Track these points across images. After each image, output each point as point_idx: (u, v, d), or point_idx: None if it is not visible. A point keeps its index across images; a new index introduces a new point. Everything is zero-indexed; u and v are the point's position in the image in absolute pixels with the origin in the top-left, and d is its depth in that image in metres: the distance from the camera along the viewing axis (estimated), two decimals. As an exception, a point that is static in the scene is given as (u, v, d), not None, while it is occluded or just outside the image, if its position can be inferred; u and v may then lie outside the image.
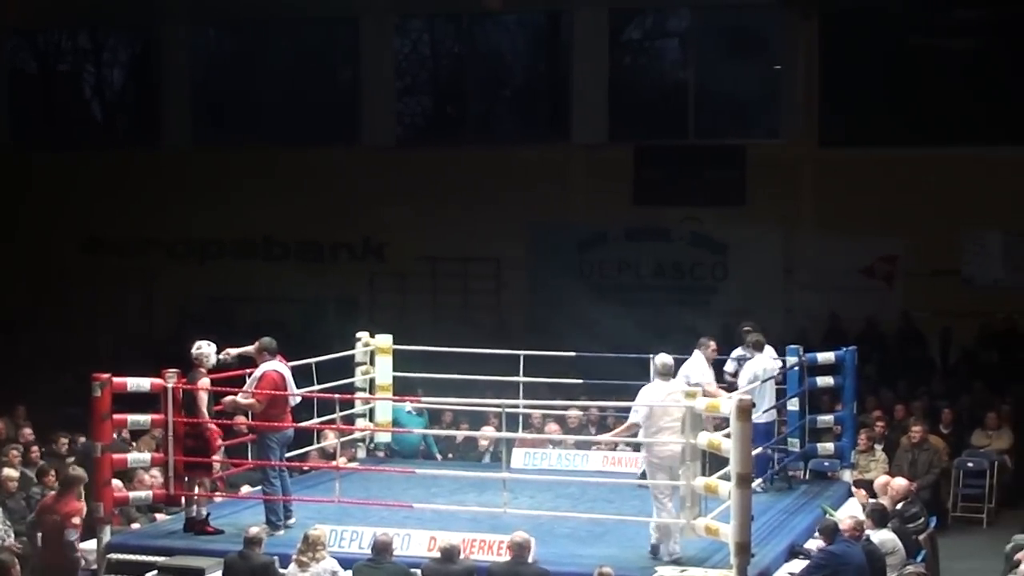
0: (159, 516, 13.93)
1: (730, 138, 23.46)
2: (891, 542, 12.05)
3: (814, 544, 12.49)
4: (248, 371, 13.02)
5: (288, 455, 13.54)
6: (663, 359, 12.05)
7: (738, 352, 14.76)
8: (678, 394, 11.79)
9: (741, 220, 22.85)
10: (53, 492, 12.34)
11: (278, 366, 12.64)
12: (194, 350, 12.67)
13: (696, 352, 13.97)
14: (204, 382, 12.49)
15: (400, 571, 11.12)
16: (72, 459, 14.50)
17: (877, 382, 19.41)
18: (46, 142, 26.10)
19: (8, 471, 14.04)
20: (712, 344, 14.09)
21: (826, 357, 15.13)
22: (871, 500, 13.21)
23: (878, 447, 16.58)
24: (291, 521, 12.60)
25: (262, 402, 12.43)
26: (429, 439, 16.50)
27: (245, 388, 12.65)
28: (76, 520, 11.68)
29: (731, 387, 14.08)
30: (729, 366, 14.74)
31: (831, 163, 22.57)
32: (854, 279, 22.40)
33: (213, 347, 12.72)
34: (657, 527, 11.73)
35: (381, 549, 11.20)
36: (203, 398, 12.46)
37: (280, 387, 12.58)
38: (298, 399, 12.99)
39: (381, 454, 16.12)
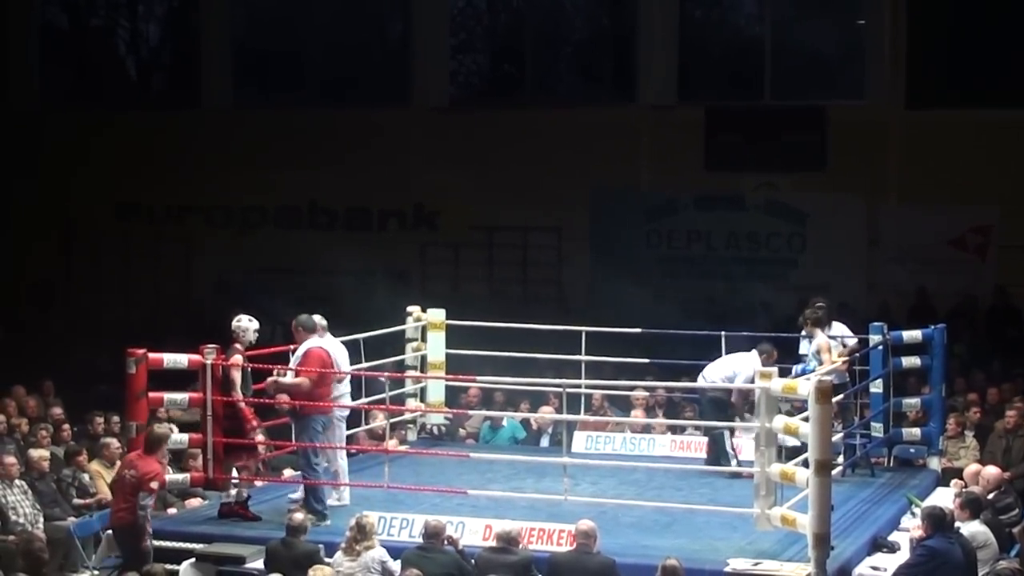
0: (194, 501, 14.05)
1: (810, 98, 23.25)
2: (983, 535, 11.95)
3: (903, 536, 12.43)
4: (291, 348, 13.12)
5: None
6: (317, 318, 12.85)
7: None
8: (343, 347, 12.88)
9: (821, 187, 22.69)
10: (138, 451, 12.30)
11: (323, 343, 12.69)
12: (234, 323, 12.75)
13: (754, 353, 14.16)
14: (237, 359, 12.56)
15: (451, 559, 11.15)
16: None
17: (968, 363, 19.24)
18: (78, 102, 26.27)
19: (39, 452, 14.20)
20: (774, 355, 14.23)
21: (912, 335, 15.03)
22: (965, 489, 13.09)
23: (969, 433, 16.44)
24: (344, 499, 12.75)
25: (311, 380, 12.50)
26: (520, 437, 16.49)
27: (288, 367, 12.73)
28: (154, 484, 11.78)
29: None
30: (803, 346, 14.65)
31: (919, 125, 22.35)
32: (944, 251, 22.21)
33: (255, 323, 12.80)
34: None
35: (432, 535, 11.24)
36: (236, 377, 12.52)
37: (328, 365, 12.65)
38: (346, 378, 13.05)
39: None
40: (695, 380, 14.95)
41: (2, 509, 13.19)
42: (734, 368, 14.09)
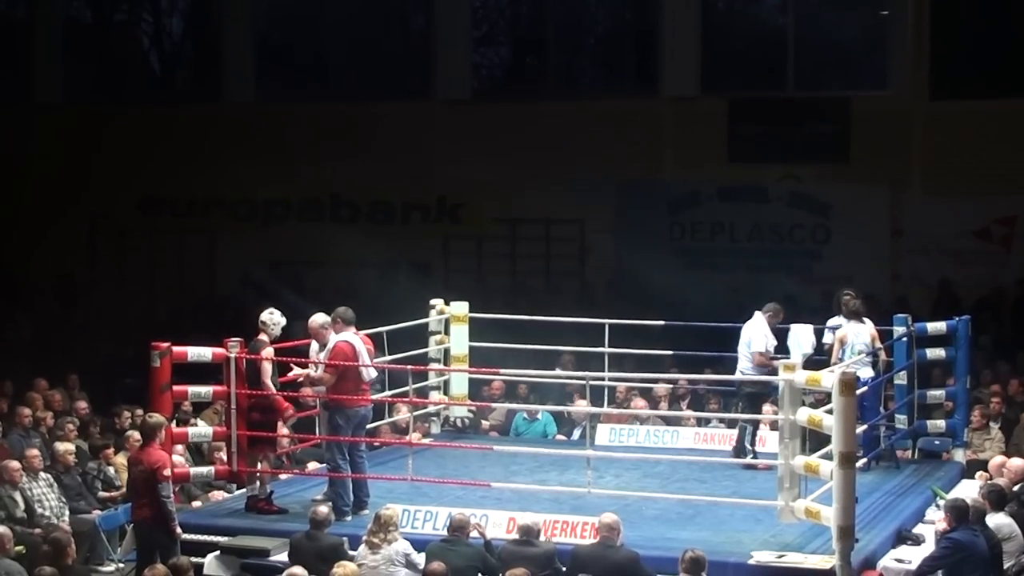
0: (217, 494, 14.08)
1: (832, 89, 23.22)
2: (1008, 527, 11.91)
3: (927, 528, 12.39)
4: (309, 341, 13.13)
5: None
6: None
7: (834, 321, 14.64)
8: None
9: (844, 178, 22.64)
10: (138, 444, 12.44)
11: (351, 337, 12.65)
12: (264, 315, 12.77)
13: (758, 314, 14.20)
14: (268, 352, 12.59)
15: (475, 552, 11.17)
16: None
17: (993, 354, 19.18)
18: (101, 96, 26.34)
19: (65, 445, 14.25)
20: (781, 313, 14.34)
21: (937, 327, 14.99)
22: (989, 482, 13.05)
23: (994, 425, 16.37)
24: (364, 512, 12.40)
25: (332, 374, 12.48)
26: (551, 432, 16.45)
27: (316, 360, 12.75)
28: (166, 472, 11.82)
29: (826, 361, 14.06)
30: (828, 337, 14.61)
31: (943, 116, 22.28)
32: (968, 242, 22.15)
33: (284, 319, 12.84)
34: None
35: (457, 528, 11.27)
36: (267, 369, 12.55)
37: (351, 359, 12.56)
38: (374, 374, 13.02)
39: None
40: (718, 372, 14.92)
41: (28, 502, 13.26)
42: (746, 338, 14.14)
